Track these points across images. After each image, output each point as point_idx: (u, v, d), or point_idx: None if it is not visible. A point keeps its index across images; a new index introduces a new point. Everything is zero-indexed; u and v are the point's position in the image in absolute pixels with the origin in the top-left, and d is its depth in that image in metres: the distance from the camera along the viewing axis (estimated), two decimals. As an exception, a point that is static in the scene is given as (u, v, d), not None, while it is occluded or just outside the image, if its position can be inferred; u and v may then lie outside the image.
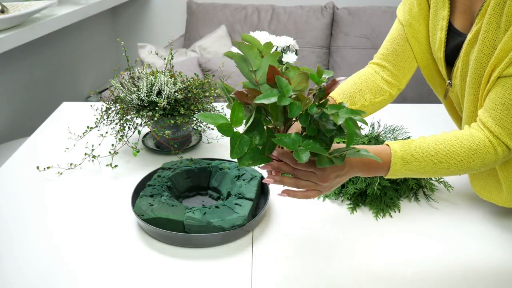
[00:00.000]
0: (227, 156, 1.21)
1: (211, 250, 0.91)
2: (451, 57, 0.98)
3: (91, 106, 1.53)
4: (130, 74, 1.21)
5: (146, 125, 1.14)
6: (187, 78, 1.23)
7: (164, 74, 1.19)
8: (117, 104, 1.19)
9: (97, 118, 1.20)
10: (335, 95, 1.06)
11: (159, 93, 1.16)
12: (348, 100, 1.05)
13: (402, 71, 1.07)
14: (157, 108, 1.13)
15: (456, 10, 0.95)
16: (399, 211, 1.03)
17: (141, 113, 1.14)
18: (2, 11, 1.60)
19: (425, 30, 1.03)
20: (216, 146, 1.30)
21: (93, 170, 1.19)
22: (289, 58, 1.33)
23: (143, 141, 1.30)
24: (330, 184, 0.80)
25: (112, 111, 1.19)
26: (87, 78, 2.75)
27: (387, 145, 0.86)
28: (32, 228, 0.98)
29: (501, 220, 1.00)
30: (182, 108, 1.15)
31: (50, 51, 2.32)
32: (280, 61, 1.35)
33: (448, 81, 1.01)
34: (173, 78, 1.19)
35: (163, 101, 1.12)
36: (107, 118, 1.19)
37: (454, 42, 0.96)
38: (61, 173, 1.16)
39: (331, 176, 0.79)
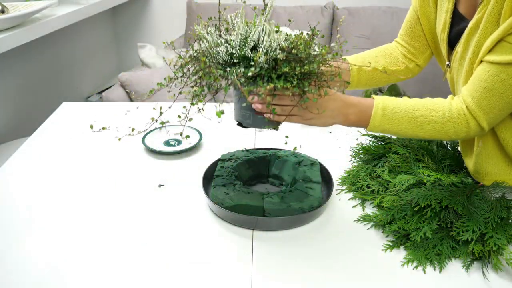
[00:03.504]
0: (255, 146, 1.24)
1: (211, 249, 0.91)
2: (454, 40, 1.01)
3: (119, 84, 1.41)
4: (218, 23, 0.93)
5: (235, 83, 0.85)
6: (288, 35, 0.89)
7: (265, 21, 0.88)
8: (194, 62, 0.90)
9: (172, 75, 0.91)
10: (349, 59, 1.14)
11: (254, 48, 0.87)
12: (361, 62, 1.14)
13: (417, 49, 1.16)
14: (252, 63, 0.84)
15: None
16: (440, 271, 0.86)
17: (229, 70, 0.85)
18: (2, 11, 1.60)
19: (435, 11, 1.07)
20: (218, 144, 1.30)
21: (93, 171, 1.19)
22: None
23: (143, 141, 1.30)
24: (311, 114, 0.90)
25: (189, 70, 0.90)
26: (87, 78, 2.75)
27: (373, 98, 0.94)
28: (32, 228, 0.98)
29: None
30: (283, 67, 0.83)
31: (50, 51, 2.32)
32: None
33: (447, 63, 1.05)
34: (276, 29, 0.87)
35: (261, 56, 0.83)
36: (181, 76, 0.90)
37: (458, 26, 0.99)
38: (119, 139, 1.20)
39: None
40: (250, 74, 0.82)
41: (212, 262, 0.88)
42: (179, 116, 0.91)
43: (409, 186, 1.02)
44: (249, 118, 0.91)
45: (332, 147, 1.30)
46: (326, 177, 1.10)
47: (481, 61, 0.90)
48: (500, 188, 0.98)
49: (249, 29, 0.87)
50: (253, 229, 0.97)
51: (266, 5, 0.92)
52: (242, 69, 0.83)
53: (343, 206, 1.05)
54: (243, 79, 0.83)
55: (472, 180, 1.02)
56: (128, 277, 0.85)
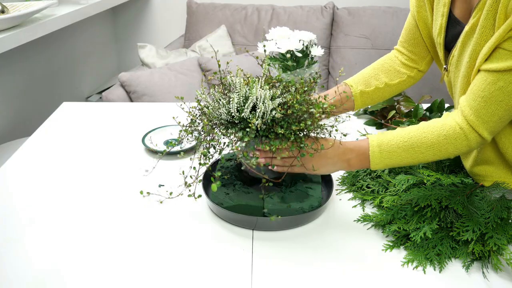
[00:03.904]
0: None
1: (211, 249, 0.91)
2: (450, 43, 1.00)
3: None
4: (220, 79, 0.97)
5: (234, 148, 0.91)
6: (286, 88, 0.96)
7: (262, 87, 0.92)
8: (200, 118, 0.95)
9: (179, 134, 0.96)
10: (350, 81, 1.16)
11: (254, 108, 0.91)
12: (363, 84, 1.15)
13: (418, 55, 1.15)
14: (248, 129, 0.89)
15: None
16: (440, 271, 0.87)
17: (229, 131, 0.91)
18: (2, 11, 1.60)
19: (431, 15, 1.06)
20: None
21: (93, 169, 1.19)
22: (316, 52, 1.35)
23: (143, 141, 1.30)
24: (311, 163, 0.95)
25: (197, 127, 0.95)
26: (87, 78, 2.75)
27: (367, 137, 0.95)
28: (32, 228, 0.98)
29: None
30: (280, 128, 0.90)
31: (50, 51, 2.32)
32: (307, 55, 1.35)
33: (444, 66, 1.05)
34: (271, 90, 0.92)
35: (257, 119, 0.88)
36: (191, 134, 0.95)
37: (454, 30, 0.98)
38: (161, 202, 1.04)
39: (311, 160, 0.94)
40: (244, 144, 0.88)
41: (212, 262, 0.88)
42: (191, 177, 0.97)
43: (409, 186, 1.02)
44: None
45: (332, 147, 1.30)
46: (326, 177, 1.10)
47: (479, 70, 0.89)
48: (500, 188, 0.98)
49: (249, 88, 0.92)
50: (253, 229, 0.97)
51: (262, 64, 1.00)
52: (240, 134, 0.89)
53: (343, 206, 1.05)
54: (240, 144, 0.90)
55: (472, 180, 1.02)
56: (128, 277, 0.85)
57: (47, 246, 0.92)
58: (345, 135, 0.97)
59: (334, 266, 0.88)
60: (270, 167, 0.95)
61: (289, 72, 1.33)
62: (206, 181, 1.09)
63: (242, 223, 0.97)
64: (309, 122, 0.90)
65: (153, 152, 1.27)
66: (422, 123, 0.94)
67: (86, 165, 1.21)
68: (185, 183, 0.94)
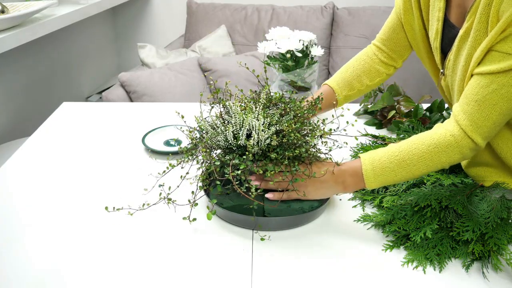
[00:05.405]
0: None
1: (211, 249, 0.91)
2: (447, 47, 1.00)
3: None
4: (220, 106, 1.00)
5: (230, 174, 0.91)
6: (286, 109, 0.98)
7: (258, 118, 0.94)
8: (201, 140, 0.98)
9: (180, 155, 0.98)
10: (334, 85, 1.20)
11: (249, 135, 0.94)
12: (346, 87, 1.20)
13: (398, 54, 1.19)
14: (244, 157, 0.91)
15: (451, 3, 0.98)
16: (440, 271, 0.87)
17: (226, 158, 0.94)
18: (2, 11, 1.60)
19: (419, 19, 1.07)
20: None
21: (94, 170, 1.19)
22: (316, 51, 1.36)
23: (143, 141, 1.30)
24: (307, 188, 0.96)
25: (197, 152, 0.98)
26: (87, 78, 2.75)
27: (359, 157, 0.95)
28: (32, 228, 0.98)
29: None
30: (274, 153, 0.92)
31: (50, 51, 2.32)
32: (306, 55, 1.36)
33: (441, 70, 1.04)
34: (267, 119, 0.93)
35: (253, 147, 0.91)
36: (191, 156, 0.98)
37: (449, 34, 0.98)
38: (131, 214, 1.01)
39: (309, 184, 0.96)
40: (239, 172, 0.91)
41: (212, 262, 0.88)
42: (189, 201, 0.97)
43: (409, 186, 1.02)
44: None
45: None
46: None
47: (472, 75, 0.89)
48: (500, 188, 0.98)
49: (245, 115, 0.94)
50: (253, 229, 0.97)
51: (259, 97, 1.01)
52: (237, 161, 0.91)
53: (343, 206, 1.05)
54: (236, 172, 0.91)
55: (472, 180, 1.02)
56: (128, 276, 0.85)
57: (47, 246, 0.92)
58: (339, 164, 0.97)
59: (334, 266, 0.88)
60: (265, 196, 0.97)
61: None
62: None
63: (242, 223, 0.97)
64: (303, 149, 0.92)
65: (153, 152, 1.27)
66: (414, 136, 0.94)
67: (86, 165, 1.21)
68: (169, 199, 0.96)
